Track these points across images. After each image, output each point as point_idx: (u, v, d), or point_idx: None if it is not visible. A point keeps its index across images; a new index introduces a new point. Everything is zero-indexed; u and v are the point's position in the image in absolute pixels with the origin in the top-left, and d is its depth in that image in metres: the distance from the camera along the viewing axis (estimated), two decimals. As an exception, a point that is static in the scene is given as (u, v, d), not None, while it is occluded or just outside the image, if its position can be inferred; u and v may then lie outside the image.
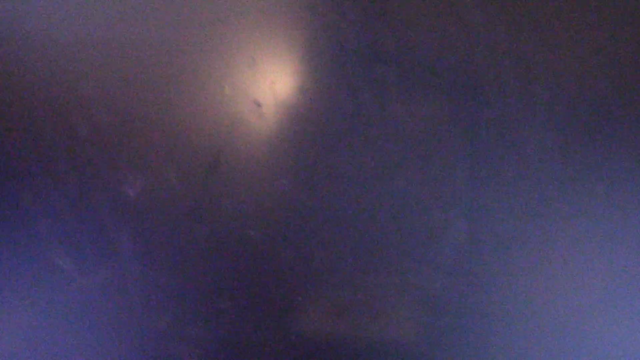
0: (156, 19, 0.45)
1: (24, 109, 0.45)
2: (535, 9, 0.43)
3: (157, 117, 0.45)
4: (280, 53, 0.44)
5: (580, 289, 0.46)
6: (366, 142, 0.44)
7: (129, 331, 0.47)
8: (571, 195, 0.44)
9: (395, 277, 0.46)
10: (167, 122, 0.45)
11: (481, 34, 0.42)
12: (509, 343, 0.46)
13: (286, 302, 0.46)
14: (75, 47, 0.45)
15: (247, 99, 0.44)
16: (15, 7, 0.45)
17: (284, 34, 0.44)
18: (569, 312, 0.46)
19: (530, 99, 0.44)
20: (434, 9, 0.43)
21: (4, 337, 0.48)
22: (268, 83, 0.44)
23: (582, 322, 0.46)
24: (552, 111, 0.44)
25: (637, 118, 0.43)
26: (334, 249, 0.45)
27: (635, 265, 0.45)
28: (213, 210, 0.45)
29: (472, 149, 0.44)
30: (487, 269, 0.45)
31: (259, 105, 0.44)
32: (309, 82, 0.44)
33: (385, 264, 0.45)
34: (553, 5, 0.42)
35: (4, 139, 0.46)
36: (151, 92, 0.45)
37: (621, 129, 0.44)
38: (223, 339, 0.47)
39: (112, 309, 0.47)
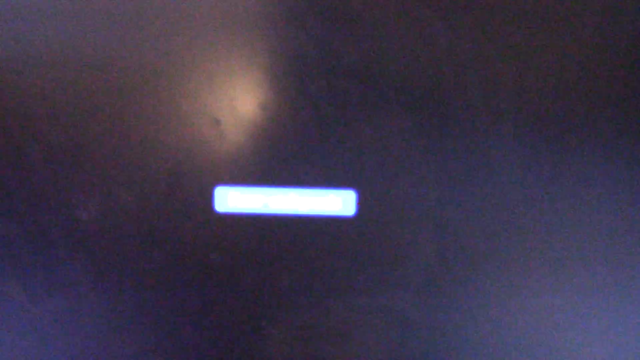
0: (111, 36, 0.43)
1: (-32, 130, 0.43)
2: (501, 22, 0.42)
3: (112, 136, 0.43)
4: (239, 68, 0.42)
5: (552, 306, 0.45)
6: (329, 160, 0.42)
7: (85, 362, 0.45)
8: (540, 211, 0.43)
9: (363, 299, 0.44)
10: (122, 141, 0.43)
11: (445, 47, 0.41)
12: (482, 363, 0.45)
13: (251, 327, 0.44)
14: (25, 64, 0.42)
15: (205, 116, 0.42)
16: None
17: (244, 49, 0.42)
18: (541, 329, 0.45)
19: (497, 113, 0.43)
20: (397, 22, 0.41)
21: (-50, 372, 0.45)
22: (227, 99, 0.42)
23: (554, 339, 0.45)
24: (518, 125, 0.43)
25: (602, 130, 0.43)
26: (299, 271, 0.43)
27: (608, 280, 0.44)
28: (172, 234, 0.43)
29: (439, 165, 0.43)
30: (457, 288, 0.44)
31: (218, 122, 0.42)
32: (270, 98, 0.42)
33: (353, 285, 0.44)
34: (518, 19, 0.42)
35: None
36: (105, 110, 0.43)
37: (588, 141, 0.43)
38: (185, 368, 0.45)
39: (68, 339, 0.45)
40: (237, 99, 0.42)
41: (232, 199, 0.43)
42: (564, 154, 0.43)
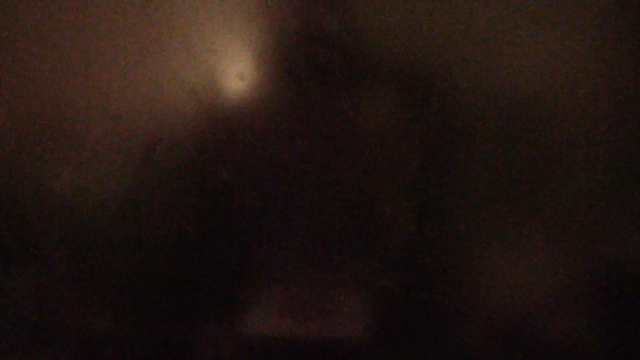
0: (85, 3, 0.41)
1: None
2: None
3: (86, 106, 0.42)
4: (217, 38, 0.41)
5: (534, 283, 0.44)
6: (309, 132, 0.41)
7: (61, 335, 0.44)
8: (522, 188, 0.43)
9: (342, 274, 0.44)
10: (97, 111, 0.41)
11: (428, 16, 0.40)
12: (462, 338, 0.45)
13: (228, 301, 0.43)
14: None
15: (182, 87, 0.41)
16: None
17: (222, 17, 0.41)
18: (522, 305, 0.45)
19: (482, 84, 0.42)
20: (380, -9, 0.41)
21: None
22: (205, 70, 0.41)
23: (535, 317, 0.45)
24: (504, 99, 0.42)
25: (597, 113, 0.42)
26: (277, 244, 0.43)
27: (576, 259, 0.44)
28: (147, 205, 0.42)
29: (421, 139, 0.42)
30: (438, 263, 0.44)
31: (195, 93, 0.41)
32: (249, 69, 0.41)
33: (332, 259, 0.43)
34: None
35: None
36: (79, 78, 0.42)
37: (573, 120, 0.42)
38: (162, 342, 0.44)
39: (43, 311, 0.44)
40: (215, 69, 0.41)
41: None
42: (552, 128, 0.42)
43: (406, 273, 0.44)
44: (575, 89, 0.43)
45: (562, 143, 0.43)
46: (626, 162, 0.43)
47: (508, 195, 0.43)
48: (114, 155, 0.42)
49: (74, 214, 0.42)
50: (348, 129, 0.42)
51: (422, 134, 0.42)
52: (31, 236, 0.43)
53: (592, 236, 0.44)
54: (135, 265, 0.43)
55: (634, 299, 0.44)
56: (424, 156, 0.42)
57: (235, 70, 0.41)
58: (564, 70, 0.42)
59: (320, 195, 0.42)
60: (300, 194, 0.42)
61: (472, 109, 0.42)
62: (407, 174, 0.42)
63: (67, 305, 0.44)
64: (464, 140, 0.42)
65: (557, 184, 0.43)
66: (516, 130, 0.42)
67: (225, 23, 0.41)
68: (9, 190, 0.43)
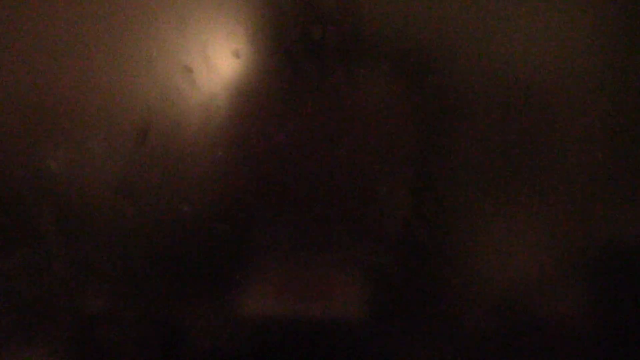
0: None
1: None
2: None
3: (79, 83, 0.41)
4: (212, 14, 0.40)
5: (531, 260, 0.44)
6: (305, 110, 0.41)
7: (56, 315, 0.44)
8: (520, 166, 0.43)
9: (338, 252, 0.43)
10: (91, 89, 0.41)
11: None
12: (459, 317, 0.45)
13: (223, 281, 0.43)
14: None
15: (176, 64, 0.41)
16: None
17: (217, -6, 0.40)
18: (519, 283, 0.45)
19: (480, 58, 0.42)
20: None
21: None
22: (199, 46, 0.41)
23: (533, 294, 0.45)
24: (502, 77, 0.42)
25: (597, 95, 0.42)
26: (273, 223, 0.43)
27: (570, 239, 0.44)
28: (143, 185, 0.42)
29: (417, 117, 0.42)
30: (434, 241, 0.43)
31: (189, 70, 0.41)
32: (243, 46, 0.41)
33: (328, 238, 0.43)
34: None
35: None
36: (72, 56, 0.41)
37: (572, 97, 0.42)
38: (158, 322, 0.44)
39: (38, 292, 0.44)
40: (209, 46, 0.41)
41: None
42: (550, 99, 0.42)
43: (403, 252, 0.44)
44: (574, 65, 0.42)
45: (561, 120, 0.43)
46: (629, 143, 0.43)
47: (505, 173, 0.43)
48: (109, 134, 0.42)
49: (69, 194, 0.42)
50: (343, 107, 0.41)
51: (418, 111, 0.42)
52: (26, 216, 0.43)
53: (591, 213, 0.44)
54: (130, 245, 0.43)
55: (634, 281, 0.44)
56: (420, 134, 0.42)
57: (230, 48, 0.41)
58: (562, 45, 0.42)
59: (316, 174, 0.42)
60: (296, 172, 0.42)
61: (468, 86, 0.41)
62: (403, 152, 0.42)
63: (62, 285, 0.44)
64: (460, 117, 0.42)
65: (555, 162, 0.43)
66: (513, 107, 0.42)
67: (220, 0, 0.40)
68: (4, 170, 0.42)
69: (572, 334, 0.45)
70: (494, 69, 0.42)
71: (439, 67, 0.41)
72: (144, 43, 0.41)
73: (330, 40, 0.40)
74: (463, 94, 0.42)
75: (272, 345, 0.45)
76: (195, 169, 0.42)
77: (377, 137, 0.42)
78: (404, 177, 0.42)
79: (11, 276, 0.44)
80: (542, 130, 0.43)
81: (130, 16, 0.41)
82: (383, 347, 0.45)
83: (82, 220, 0.42)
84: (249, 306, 0.44)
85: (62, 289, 0.44)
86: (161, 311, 0.44)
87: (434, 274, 0.44)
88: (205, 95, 0.41)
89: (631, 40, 0.42)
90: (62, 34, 0.41)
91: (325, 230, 0.43)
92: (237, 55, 0.41)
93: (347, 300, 0.45)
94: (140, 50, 0.41)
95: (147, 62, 0.41)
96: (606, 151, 0.43)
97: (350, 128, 0.42)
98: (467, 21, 0.41)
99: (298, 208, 0.43)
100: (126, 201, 0.42)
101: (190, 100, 0.41)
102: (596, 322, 0.45)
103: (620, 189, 0.43)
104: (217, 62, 0.41)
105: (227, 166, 0.42)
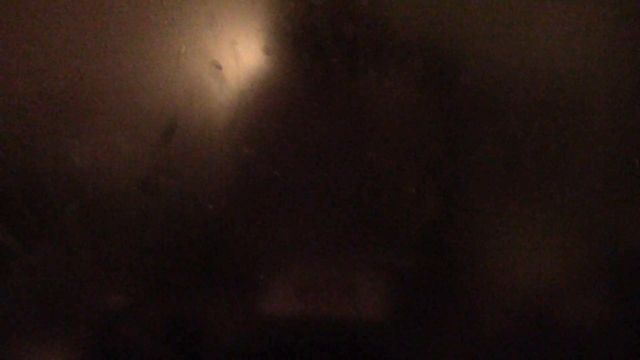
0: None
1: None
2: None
3: (107, 79, 0.41)
4: (241, 10, 0.40)
5: (558, 266, 0.44)
6: (335, 109, 0.41)
7: (78, 311, 0.44)
8: (550, 169, 0.42)
9: (364, 254, 0.43)
10: (118, 85, 0.41)
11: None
12: (483, 321, 0.44)
13: (248, 281, 0.43)
14: (15, 7, 0.40)
15: (206, 60, 0.40)
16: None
17: (247, -10, 0.40)
18: (544, 289, 0.44)
19: (509, 64, 0.41)
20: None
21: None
22: (229, 43, 0.40)
23: (558, 302, 0.44)
24: (534, 77, 0.41)
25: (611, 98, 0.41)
26: (299, 223, 0.42)
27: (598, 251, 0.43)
28: (169, 181, 0.41)
29: (448, 118, 0.41)
30: (462, 245, 0.43)
31: (219, 67, 0.40)
32: (273, 43, 0.40)
33: (354, 240, 0.43)
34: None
35: None
36: (100, 52, 0.41)
37: (602, 101, 0.41)
38: (180, 320, 0.44)
39: (61, 287, 0.44)
40: (239, 43, 0.40)
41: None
42: (581, 103, 0.41)
43: (429, 254, 0.43)
44: (606, 68, 0.42)
45: (591, 125, 0.42)
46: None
47: (533, 175, 0.42)
48: (135, 131, 0.41)
49: (93, 190, 0.42)
50: (374, 106, 0.41)
51: (449, 112, 0.41)
52: (50, 211, 0.42)
53: (619, 223, 0.43)
54: (154, 243, 0.42)
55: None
56: (451, 135, 0.41)
57: (260, 45, 0.40)
58: (594, 48, 0.41)
59: (343, 174, 0.42)
60: (323, 172, 0.42)
61: (501, 86, 0.41)
62: (432, 154, 0.42)
63: (84, 281, 0.44)
64: (491, 119, 0.41)
65: (585, 164, 0.42)
66: (545, 109, 0.41)
67: (250, -4, 0.40)
68: (28, 165, 0.42)
69: (593, 338, 0.45)
70: (529, 68, 0.41)
71: (470, 67, 0.41)
72: (173, 39, 0.40)
73: (362, 39, 0.40)
74: (496, 94, 0.41)
75: (293, 345, 0.44)
76: (221, 167, 0.42)
77: (406, 138, 0.41)
78: (432, 179, 0.42)
79: (34, 271, 0.43)
80: (571, 132, 0.42)
81: (159, 12, 0.40)
82: (406, 349, 0.44)
83: (106, 217, 0.42)
84: (272, 306, 0.44)
85: (84, 285, 0.44)
86: (183, 309, 0.44)
87: (459, 277, 0.44)
88: (233, 92, 0.41)
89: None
90: (91, 29, 0.41)
91: (351, 231, 0.43)
92: (266, 52, 0.40)
93: (371, 302, 0.44)
94: (169, 46, 0.40)
95: (176, 58, 0.40)
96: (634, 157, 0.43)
97: (380, 128, 0.41)
98: (501, 20, 0.40)
99: (324, 208, 0.42)
100: (151, 198, 0.42)
101: (218, 97, 0.41)
102: (618, 328, 0.44)
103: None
104: (246, 59, 0.40)
105: (253, 164, 0.41)
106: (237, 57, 0.40)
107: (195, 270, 0.43)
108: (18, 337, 0.44)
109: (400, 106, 0.41)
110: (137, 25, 0.41)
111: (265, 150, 0.41)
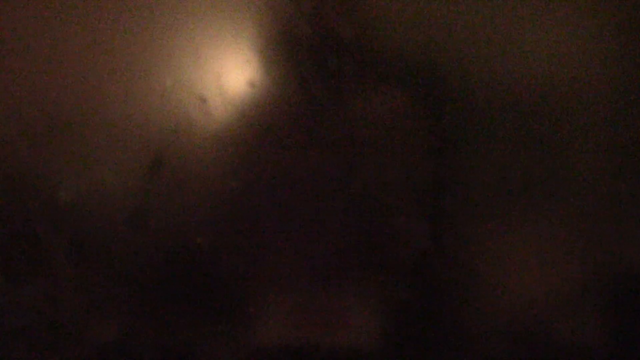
0: (92, 9, 0.41)
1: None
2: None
3: (93, 114, 0.41)
4: (226, 44, 0.40)
5: (549, 293, 0.44)
6: (321, 140, 0.41)
7: (66, 347, 0.44)
8: (538, 196, 0.42)
9: (355, 285, 0.43)
10: (104, 119, 0.41)
11: (443, 22, 0.40)
12: (475, 349, 0.44)
13: (238, 314, 0.43)
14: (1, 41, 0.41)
15: (191, 94, 0.40)
16: None
17: (231, 23, 0.40)
18: (536, 316, 0.44)
19: (497, 91, 0.41)
20: (393, -4, 0.40)
21: None
22: (214, 76, 0.40)
23: (551, 328, 0.44)
24: (520, 106, 0.41)
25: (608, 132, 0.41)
26: (288, 255, 0.42)
27: (589, 273, 0.43)
28: (156, 216, 0.41)
29: (434, 147, 0.41)
30: (452, 274, 0.43)
31: (204, 100, 0.40)
32: (259, 76, 0.40)
33: (344, 270, 0.42)
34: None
35: None
36: (85, 86, 0.41)
37: (590, 124, 0.42)
38: (169, 355, 0.43)
39: (49, 323, 0.43)
40: (224, 76, 0.40)
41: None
42: (569, 136, 0.41)
43: (419, 283, 0.43)
44: (593, 89, 0.42)
45: (580, 148, 0.42)
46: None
47: (524, 204, 0.42)
48: (122, 164, 0.41)
49: (80, 224, 0.42)
50: (360, 136, 0.41)
51: (436, 141, 0.41)
52: (37, 245, 0.42)
53: (610, 242, 0.43)
54: (142, 276, 0.42)
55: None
56: (437, 164, 0.41)
57: (245, 78, 0.40)
58: (580, 70, 0.42)
59: (331, 204, 0.42)
60: (312, 203, 0.42)
61: (486, 115, 0.41)
62: (420, 183, 0.41)
63: (74, 316, 0.43)
64: (477, 147, 0.41)
65: (573, 191, 0.42)
66: (532, 137, 0.41)
67: (234, 29, 0.40)
68: (15, 199, 0.42)
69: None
70: (514, 97, 0.41)
71: (456, 95, 0.41)
72: (158, 73, 0.40)
73: (347, 70, 0.40)
74: (481, 123, 0.41)
75: (285, 376, 0.44)
76: (208, 200, 0.41)
77: (394, 166, 0.41)
78: (420, 207, 0.42)
79: (21, 307, 0.43)
80: (564, 158, 0.42)
81: (144, 46, 0.41)
82: (399, 379, 0.44)
83: (93, 252, 0.42)
84: (263, 337, 0.44)
85: (73, 320, 0.43)
86: (173, 344, 0.43)
87: (450, 305, 0.44)
88: (219, 126, 0.41)
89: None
90: (76, 63, 0.41)
91: (341, 261, 0.43)
92: (251, 85, 0.40)
93: (362, 331, 0.44)
94: (154, 80, 0.40)
95: (162, 92, 0.40)
96: (626, 175, 0.43)
97: (367, 158, 0.41)
98: (486, 49, 0.40)
99: (313, 239, 0.42)
100: (139, 232, 0.41)
101: (204, 131, 0.41)
102: (616, 349, 0.44)
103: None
104: (231, 92, 0.40)
105: (240, 197, 0.41)
106: (222, 91, 0.40)
107: (184, 304, 0.43)
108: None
109: (386, 136, 0.41)
110: (122, 59, 0.41)
111: (253, 182, 0.41)
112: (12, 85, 0.41)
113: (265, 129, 0.40)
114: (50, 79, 0.41)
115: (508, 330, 0.44)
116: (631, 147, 0.43)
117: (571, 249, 0.43)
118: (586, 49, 0.42)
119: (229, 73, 0.40)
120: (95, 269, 0.42)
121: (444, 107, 0.40)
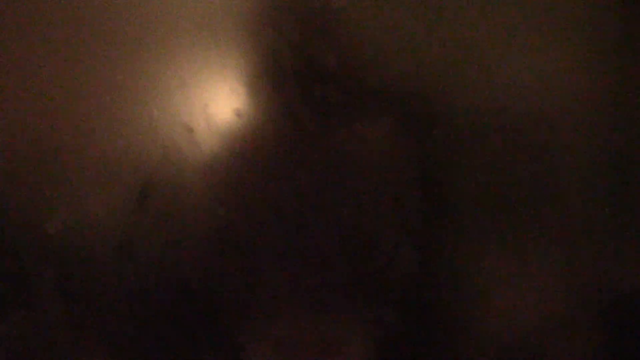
0: (76, 35, 0.41)
1: None
2: (486, 24, 0.41)
3: (78, 144, 0.41)
4: (213, 74, 0.40)
5: (541, 317, 0.44)
6: (308, 169, 0.41)
7: (54, 380, 0.43)
8: (526, 219, 0.42)
9: (344, 313, 0.43)
10: (90, 150, 0.41)
11: (427, 50, 0.40)
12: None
13: (227, 343, 0.42)
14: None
15: (177, 123, 0.40)
16: None
17: (218, 53, 0.40)
18: (529, 340, 0.44)
19: (482, 117, 0.41)
20: (377, 25, 0.40)
21: None
22: (200, 106, 0.40)
23: (544, 352, 0.44)
24: (506, 131, 0.42)
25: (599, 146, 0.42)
26: (276, 284, 0.42)
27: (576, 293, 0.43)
28: (144, 246, 0.41)
29: (421, 173, 0.41)
30: (440, 298, 0.43)
31: (191, 130, 0.41)
32: (245, 105, 0.40)
33: (333, 299, 0.42)
34: (505, 21, 0.40)
35: None
36: (72, 116, 0.41)
37: (578, 144, 0.42)
38: (159, 386, 0.43)
39: (34, 354, 0.43)
40: (211, 106, 0.41)
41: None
42: (552, 160, 0.42)
43: (408, 309, 0.43)
44: (579, 114, 0.42)
45: (568, 167, 0.42)
46: (635, 178, 0.43)
47: (512, 228, 0.42)
48: (109, 195, 0.41)
49: (68, 256, 0.41)
50: (347, 165, 0.41)
51: (423, 167, 0.41)
52: (24, 279, 0.42)
53: (601, 259, 0.43)
54: (131, 309, 0.42)
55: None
56: (425, 190, 0.41)
57: (232, 107, 0.40)
58: (566, 96, 0.42)
59: (319, 232, 0.42)
60: (299, 231, 0.42)
61: (473, 141, 0.41)
62: (407, 209, 0.42)
63: (61, 350, 0.43)
64: (465, 172, 0.42)
65: (563, 211, 0.43)
66: (519, 160, 0.42)
67: (220, 59, 0.40)
68: (2, 231, 0.42)
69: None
70: (500, 123, 0.41)
71: (442, 122, 0.41)
72: (145, 103, 0.40)
73: (332, 98, 0.40)
74: (468, 149, 0.41)
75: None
76: (196, 229, 0.41)
77: (381, 193, 0.41)
78: (409, 233, 0.42)
79: (9, 341, 0.43)
80: (552, 178, 0.42)
81: (131, 76, 0.41)
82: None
83: (82, 284, 0.42)
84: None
85: (59, 352, 0.43)
86: (163, 374, 0.43)
87: (440, 332, 0.43)
88: (206, 155, 0.41)
89: None
90: (63, 94, 0.41)
91: (330, 288, 0.42)
92: (238, 114, 0.40)
93: (352, 358, 0.44)
94: (141, 110, 0.40)
95: (148, 122, 0.40)
96: (619, 192, 0.43)
97: (354, 186, 0.41)
98: (472, 77, 0.41)
99: (301, 267, 0.42)
100: (127, 263, 0.41)
101: (191, 160, 0.41)
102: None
103: (636, 229, 0.43)
104: (218, 121, 0.40)
105: (229, 225, 0.41)
106: (208, 120, 0.40)
107: (173, 335, 0.42)
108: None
109: (373, 163, 0.41)
110: (109, 89, 0.41)
111: (240, 211, 0.41)
112: (0, 118, 0.41)
113: (252, 158, 0.41)
114: (36, 109, 0.41)
115: (499, 356, 0.44)
116: (620, 167, 0.43)
117: (562, 272, 0.43)
118: (572, 75, 0.42)
119: (216, 103, 0.40)
120: (83, 300, 0.42)
121: (429, 134, 0.41)
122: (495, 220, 0.42)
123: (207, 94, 0.40)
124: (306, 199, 0.41)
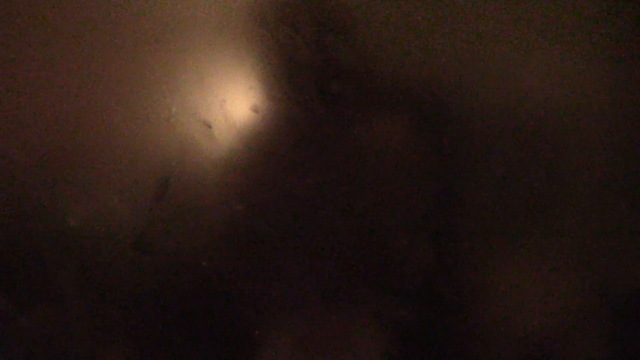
0: (99, 37, 0.42)
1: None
2: (499, 19, 0.41)
3: (100, 140, 0.41)
4: (230, 70, 0.41)
5: (552, 309, 0.44)
6: (324, 164, 0.41)
7: (74, 372, 0.44)
8: (539, 215, 0.42)
9: (359, 306, 0.43)
10: (111, 146, 0.41)
11: (442, 46, 0.40)
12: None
13: (243, 338, 0.43)
14: (8, 66, 0.41)
15: (196, 119, 0.41)
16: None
17: (235, 50, 0.41)
18: (541, 333, 0.44)
19: (496, 113, 0.42)
20: (393, 21, 0.40)
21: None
22: (218, 102, 0.41)
23: (555, 344, 0.44)
24: (520, 127, 0.42)
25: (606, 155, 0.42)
26: (292, 278, 0.42)
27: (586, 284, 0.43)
28: (162, 240, 0.42)
29: (436, 168, 0.41)
30: (455, 294, 0.43)
31: (209, 126, 0.41)
32: (262, 101, 0.41)
33: (349, 292, 0.43)
34: (516, 17, 0.41)
35: None
36: (91, 112, 0.41)
37: (590, 144, 0.42)
38: (177, 378, 0.43)
39: (57, 349, 0.44)
40: (228, 102, 0.41)
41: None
42: (566, 156, 0.42)
43: (424, 305, 0.43)
44: (590, 111, 0.42)
45: (580, 168, 0.42)
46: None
47: (525, 222, 0.42)
48: (128, 190, 0.42)
49: (88, 250, 0.42)
50: (363, 160, 0.41)
51: (437, 163, 0.42)
52: (45, 272, 0.43)
53: (616, 258, 0.43)
54: (149, 301, 0.42)
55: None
56: (439, 185, 0.42)
57: (249, 103, 0.41)
58: (577, 93, 0.42)
59: (335, 227, 0.42)
60: (315, 226, 0.42)
61: (487, 136, 0.41)
62: (422, 204, 0.42)
63: (81, 342, 0.43)
64: (479, 168, 0.42)
65: (574, 209, 0.43)
66: (532, 157, 0.42)
67: (237, 56, 0.41)
68: (23, 227, 0.42)
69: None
70: (514, 118, 0.41)
71: (457, 117, 0.41)
72: (164, 99, 0.41)
73: (349, 94, 0.41)
74: (482, 144, 0.42)
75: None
76: (214, 224, 0.42)
77: (397, 188, 0.42)
78: (424, 228, 0.42)
79: (29, 333, 0.43)
80: (564, 176, 0.42)
81: (150, 72, 0.41)
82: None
83: (101, 276, 0.42)
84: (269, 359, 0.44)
85: (80, 345, 0.43)
86: (180, 367, 0.43)
87: (454, 327, 0.44)
88: (224, 151, 0.41)
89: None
90: (83, 90, 0.42)
91: (345, 283, 0.43)
92: (255, 110, 0.41)
93: (367, 354, 0.44)
94: (160, 106, 0.41)
95: (167, 118, 0.41)
96: (630, 195, 0.43)
97: (370, 181, 0.41)
98: (486, 72, 0.41)
99: (317, 261, 0.42)
100: (145, 257, 0.42)
101: (209, 156, 0.41)
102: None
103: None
104: (235, 117, 0.41)
105: (245, 220, 0.42)
106: (226, 116, 0.41)
107: (190, 327, 0.43)
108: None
109: (389, 158, 0.41)
110: (128, 87, 0.42)
111: (257, 206, 0.42)
112: (21, 114, 0.42)
113: (269, 153, 0.41)
114: (57, 107, 0.42)
115: (513, 351, 0.44)
116: (631, 166, 0.43)
117: (578, 268, 0.43)
118: (589, 75, 0.42)
119: (233, 99, 0.41)
120: (103, 293, 0.43)
121: (444, 128, 0.41)
122: (509, 215, 0.42)
123: (224, 91, 0.41)
124: (322, 194, 0.41)
